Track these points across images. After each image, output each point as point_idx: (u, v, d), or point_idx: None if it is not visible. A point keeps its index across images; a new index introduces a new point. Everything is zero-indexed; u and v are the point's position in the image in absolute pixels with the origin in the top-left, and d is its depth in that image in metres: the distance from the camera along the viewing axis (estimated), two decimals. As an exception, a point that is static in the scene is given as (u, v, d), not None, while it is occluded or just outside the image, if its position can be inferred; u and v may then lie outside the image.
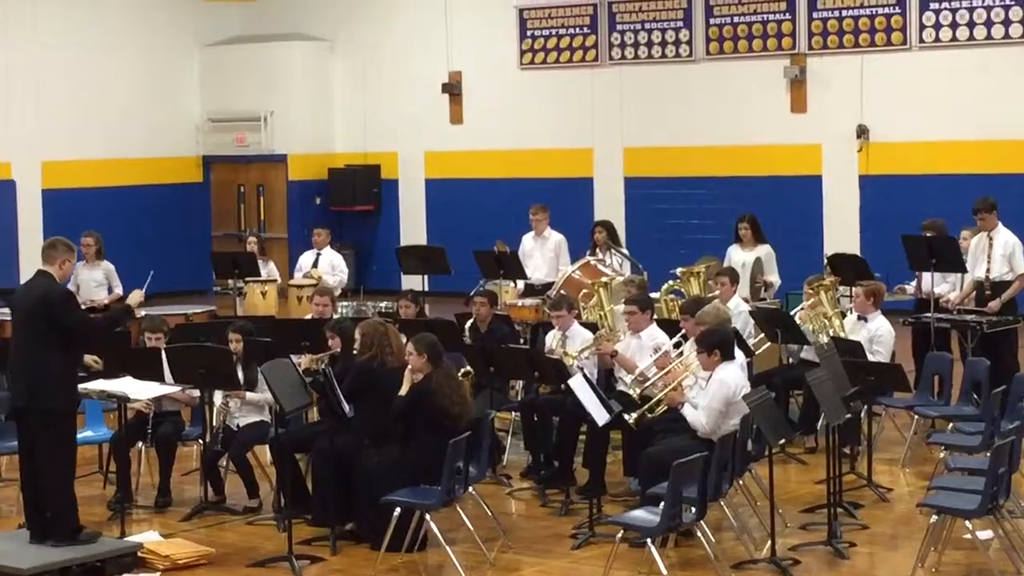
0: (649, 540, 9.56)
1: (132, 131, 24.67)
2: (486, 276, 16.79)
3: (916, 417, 13.21)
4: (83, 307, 13.67)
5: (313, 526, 11.09)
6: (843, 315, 13.75)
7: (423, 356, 10.78)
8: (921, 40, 20.59)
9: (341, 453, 10.87)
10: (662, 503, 9.55)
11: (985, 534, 10.15)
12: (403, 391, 10.78)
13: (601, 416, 10.66)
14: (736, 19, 21.89)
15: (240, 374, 11.80)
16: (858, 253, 18.00)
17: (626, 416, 11.12)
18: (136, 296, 11.20)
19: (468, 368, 12.33)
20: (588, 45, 23.17)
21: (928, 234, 15.08)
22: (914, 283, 15.40)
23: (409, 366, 10.83)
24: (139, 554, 10.48)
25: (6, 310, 16.55)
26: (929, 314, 14.53)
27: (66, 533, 10.32)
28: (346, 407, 10.84)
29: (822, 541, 10.54)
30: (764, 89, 21.65)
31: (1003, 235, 14.76)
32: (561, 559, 10.58)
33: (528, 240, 17.58)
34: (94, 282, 16.90)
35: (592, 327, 13.19)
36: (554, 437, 12.44)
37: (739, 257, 15.88)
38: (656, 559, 9.53)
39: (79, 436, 12.61)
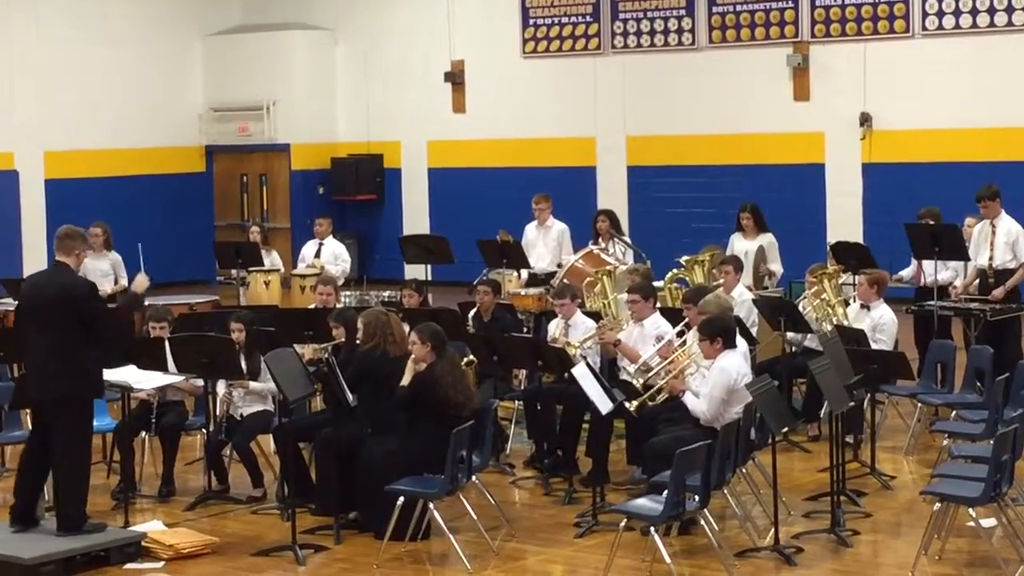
0: (652, 528, 9.57)
1: (134, 121, 24.68)
2: (489, 265, 16.77)
3: (919, 405, 13.21)
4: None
5: (317, 515, 11.10)
6: (846, 303, 13.76)
7: (427, 345, 10.79)
8: (924, 28, 20.57)
9: (344, 442, 10.88)
10: (665, 491, 9.55)
11: (988, 522, 10.15)
12: (406, 380, 10.78)
13: (604, 405, 10.66)
14: (739, 7, 21.87)
15: (243, 363, 11.80)
16: (861, 241, 17.99)
17: (628, 404, 11.11)
18: (141, 281, 11.05)
19: (471, 357, 12.34)
20: (591, 34, 23.16)
21: (929, 222, 15.08)
22: (908, 270, 15.41)
23: (412, 355, 10.83)
24: (143, 543, 10.51)
25: (8, 299, 16.65)
26: (932, 302, 14.53)
27: (73, 523, 10.32)
28: (349, 396, 10.85)
29: (825, 529, 10.55)
30: (767, 77, 21.63)
31: (1006, 223, 14.76)
32: (564, 548, 10.58)
33: (531, 229, 17.56)
34: (100, 272, 16.89)
35: (596, 316, 13.19)
36: (557, 426, 12.44)
37: (741, 246, 15.86)
38: (659, 547, 9.54)
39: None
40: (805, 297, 13.77)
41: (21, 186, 23.67)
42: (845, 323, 13.19)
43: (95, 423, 12.55)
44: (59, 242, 10.52)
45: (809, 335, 13.47)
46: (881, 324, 13.17)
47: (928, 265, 14.94)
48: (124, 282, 17.13)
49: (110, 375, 11.16)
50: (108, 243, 17.13)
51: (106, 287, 16.62)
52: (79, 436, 10.39)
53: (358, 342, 11.32)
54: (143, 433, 12.18)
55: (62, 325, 10.21)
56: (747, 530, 10.59)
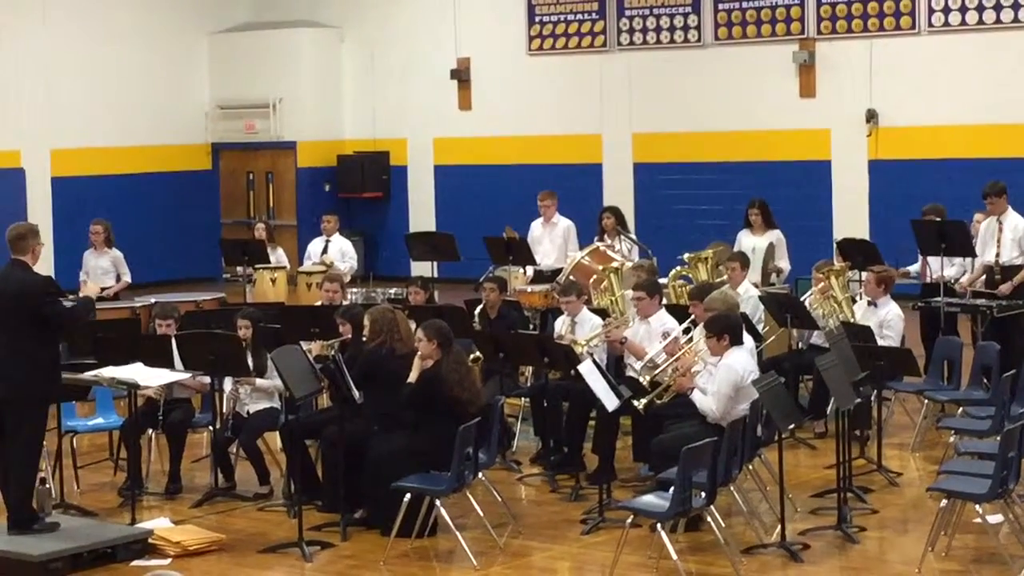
0: (659, 525, 9.57)
1: (141, 119, 24.68)
2: (495, 262, 16.78)
3: (926, 402, 13.19)
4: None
5: (323, 512, 11.11)
6: (853, 300, 13.75)
7: (433, 342, 10.79)
8: (930, 24, 20.54)
9: (351, 439, 10.87)
10: (672, 488, 9.55)
11: (995, 518, 10.15)
12: (412, 377, 10.78)
13: (611, 402, 10.66)
14: (745, 4, 21.85)
15: (250, 361, 11.80)
16: (867, 238, 17.98)
17: (635, 402, 11.12)
18: (93, 288, 11.32)
19: (478, 354, 12.34)
20: (597, 31, 23.14)
21: (935, 219, 15.07)
22: (915, 266, 15.41)
23: (419, 352, 10.83)
24: (150, 540, 10.52)
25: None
26: (939, 298, 14.53)
27: (23, 521, 10.32)
28: (356, 393, 10.84)
29: (832, 526, 10.54)
30: (773, 74, 21.61)
31: (1013, 219, 14.76)
32: (571, 544, 10.59)
33: (537, 226, 17.56)
34: (100, 269, 16.94)
35: (603, 313, 13.19)
36: (564, 423, 12.44)
37: (749, 242, 15.86)
38: (666, 544, 9.54)
39: (90, 423, 12.77)
40: (812, 294, 13.76)
41: (28, 184, 23.66)
42: (852, 320, 13.18)
43: (102, 421, 12.70)
44: (13, 244, 10.43)
45: (816, 332, 13.46)
46: (888, 321, 13.16)
47: (934, 261, 14.93)
48: (127, 278, 17.18)
49: (117, 372, 11.17)
50: (109, 240, 17.16)
51: (107, 283, 16.63)
52: (36, 436, 10.36)
53: (364, 339, 11.32)
54: (150, 430, 12.20)
55: (20, 323, 10.16)
56: (754, 527, 10.58)
